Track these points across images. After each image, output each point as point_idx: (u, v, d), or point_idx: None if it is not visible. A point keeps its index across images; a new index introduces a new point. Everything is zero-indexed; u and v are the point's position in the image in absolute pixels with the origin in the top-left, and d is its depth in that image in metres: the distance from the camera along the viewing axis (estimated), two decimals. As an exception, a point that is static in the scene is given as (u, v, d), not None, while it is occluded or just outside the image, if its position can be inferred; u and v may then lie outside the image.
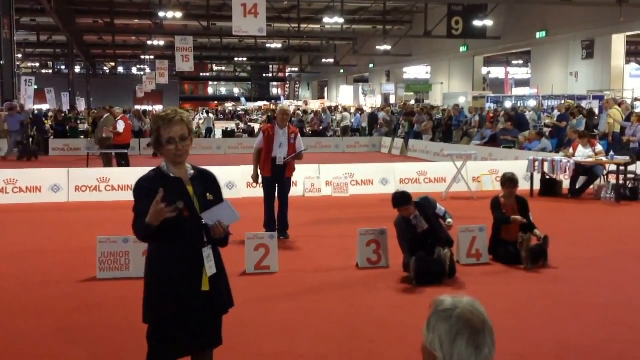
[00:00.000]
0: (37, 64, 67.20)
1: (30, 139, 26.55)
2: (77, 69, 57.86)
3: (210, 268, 3.48)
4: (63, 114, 31.51)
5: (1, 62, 27.60)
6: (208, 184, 3.60)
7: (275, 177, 9.38)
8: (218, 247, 3.60)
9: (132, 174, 13.93)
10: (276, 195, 9.46)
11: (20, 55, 46.17)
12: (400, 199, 7.41)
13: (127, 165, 16.74)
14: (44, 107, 42.07)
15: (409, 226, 7.46)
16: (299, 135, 9.64)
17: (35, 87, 37.78)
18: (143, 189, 3.45)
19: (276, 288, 6.90)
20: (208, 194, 3.54)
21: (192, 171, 3.58)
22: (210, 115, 38.15)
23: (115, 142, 16.93)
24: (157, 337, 3.53)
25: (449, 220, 7.47)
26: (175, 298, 3.43)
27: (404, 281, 7.28)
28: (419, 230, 7.46)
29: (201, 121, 35.94)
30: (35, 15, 38.13)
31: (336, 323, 5.90)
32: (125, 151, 17.20)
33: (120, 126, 16.82)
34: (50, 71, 67.21)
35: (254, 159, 9.56)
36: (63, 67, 63.81)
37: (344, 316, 6.10)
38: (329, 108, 39.62)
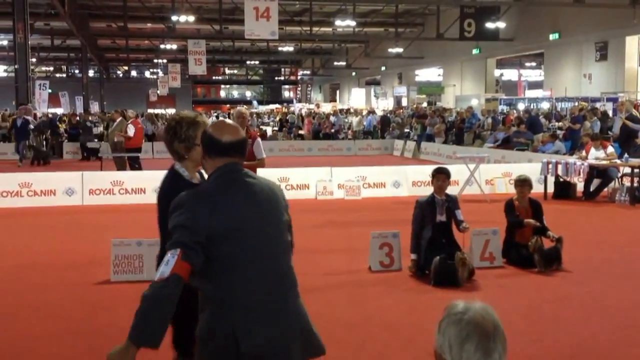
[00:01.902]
0: (51, 68, 67.64)
1: (45, 143, 26.78)
2: (91, 73, 58.24)
3: None
4: (77, 118, 31.70)
5: (16, 66, 27.82)
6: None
7: None
8: None
9: (146, 177, 14.00)
10: None
11: (34, 60, 46.57)
12: (443, 168, 7.91)
13: (140, 168, 16.83)
14: (58, 110, 42.36)
15: (431, 210, 7.54)
16: (259, 140, 8.83)
17: (49, 91, 38.07)
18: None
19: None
20: None
21: (197, 174, 3.67)
22: (221, 119, 37.98)
23: (127, 146, 17.03)
24: None
25: (464, 224, 7.45)
26: None
27: (417, 284, 7.27)
28: (438, 218, 7.50)
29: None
30: (49, 19, 38.43)
31: (348, 326, 5.90)
32: (138, 154, 17.29)
33: (131, 130, 16.89)
34: (64, 75, 67.63)
35: None
36: (77, 71, 64.17)
37: (356, 319, 6.10)
38: (341, 111, 39.63)
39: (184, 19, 32.73)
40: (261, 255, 2.74)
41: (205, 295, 2.75)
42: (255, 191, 2.82)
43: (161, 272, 2.59)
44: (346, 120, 35.38)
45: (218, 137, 2.84)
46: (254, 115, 39.80)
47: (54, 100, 45.71)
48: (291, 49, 53.55)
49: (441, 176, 7.66)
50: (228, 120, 3.02)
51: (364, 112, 37.65)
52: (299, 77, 76.75)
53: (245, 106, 63.34)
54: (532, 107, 28.44)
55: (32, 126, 23.79)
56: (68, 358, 5.28)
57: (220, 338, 2.66)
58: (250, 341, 2.65)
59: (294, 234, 3.08)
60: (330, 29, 43.49)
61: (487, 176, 14.83)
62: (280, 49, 52.87)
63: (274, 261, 2.78)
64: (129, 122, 17.44)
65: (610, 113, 21.64)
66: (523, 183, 8.36)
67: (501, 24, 31.59)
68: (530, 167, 14.63)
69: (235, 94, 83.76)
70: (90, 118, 30.79)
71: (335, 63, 58.95)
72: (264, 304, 2.72)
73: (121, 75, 72.13)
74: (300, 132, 33.84)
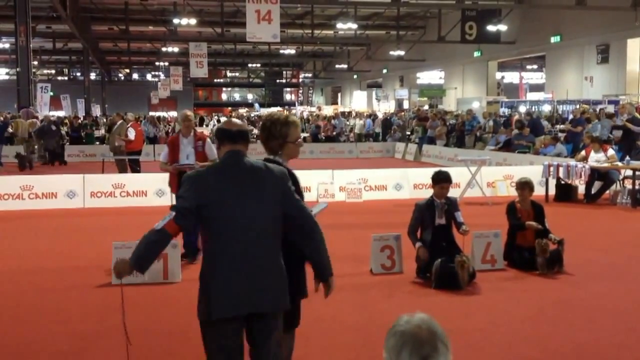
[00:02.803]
0: (53, 71, 67.71)
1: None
2: (93, 76, 58.28)
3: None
4: (79, 121, 31.70)
5: (17, 69, 27.89)
6: None
7: None
8: None
9: (147, 180, 14.01)
10: None
11: (36, 63, 46.58)
12: (445, 174, 7.67)
13: (140, 171, 16.83)
14: (60, 113, 42.38)
15: (430, 213, 7.50)
16: (209, 141, 8.70)
17: (51, 94, 38.11)
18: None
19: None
20: None
21: None
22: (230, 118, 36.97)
23: (128, 149, 17.03)
24: None
25: (464, 227, 7.44)
26: None
27: (419, 287, 7.26)
28: (437, 222, 7.47)
29: (215, 127, 35.72)
30: (51, 22, 38.46)
31: (350, 329, 5.90)
32: (138, 157, 17.28)
33: (131, 133, 16.84)
34: (66, 78, 67.70)
35: (163, 171, 8.93)
36: (78, 74, 64.25)
37: (358, 322, 6.09)
38: (342, 113, 39.61)
39: (186, 22, 32.77)
40: (236, 222, 3.47)
41: (203, 247, 3.64)
42: (244, 172, 3.57)
43: (157, 224, 3.50)
44: (347, 122, 35.37)
45: (227, 129, 3.68)
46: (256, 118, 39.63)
47: (55, 103, 45.76)
48: (293, 51, 53.55)
49: (443, 183, 7.57)
50: (235, 119, 4.00)
51: (365, 115, 37.66)
52: (300, 80, 76.76)
53: (247, 109, 63.16)
54: (533, 109, 28.42)
55: (11, 129, 23.54)
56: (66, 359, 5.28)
57: (203, 279, 3.54)
58: (216, 285, 3.46)
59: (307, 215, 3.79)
60: (332, 32, 43.52)
61: (488, 179, 14.82)
62: (281, 51, 52.88)
63: (248, 227, 3.48)
64: (129, 125, 17.43)
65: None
66: (524, 186, 8.36)
67: (502, 27, 31.59)
68: (531, 169, 14.62)
69: (237, 96, 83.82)
70: (65, 121, 29.85)
71: (337, 66, 59.00)
72: (236, 259, 3.46)
73: (123, 78, 72.19)
74: (304, 134, 33.85)
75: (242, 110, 60.23)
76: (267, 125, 4.13)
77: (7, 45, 44.92)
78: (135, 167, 17.02)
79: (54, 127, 25.08)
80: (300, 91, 78.56)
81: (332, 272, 3.97)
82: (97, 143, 28.21)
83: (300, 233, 3.74)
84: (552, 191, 13.93)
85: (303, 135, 33.53)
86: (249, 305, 3.46)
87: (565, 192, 13.85)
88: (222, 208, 3.47)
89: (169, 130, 31.93)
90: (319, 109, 53.08)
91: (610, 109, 22.64)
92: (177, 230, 3.52)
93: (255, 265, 3.47)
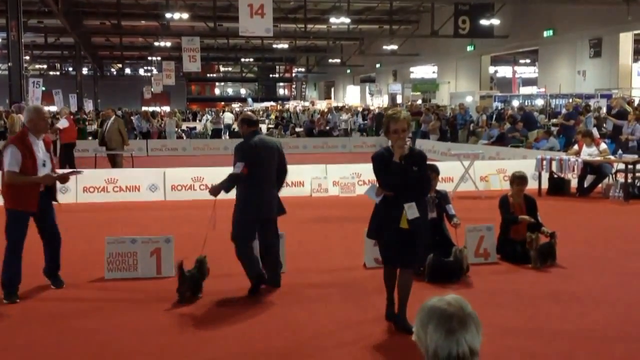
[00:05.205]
0: (45, 66, 67.45)
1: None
2: (85, 71, 58.04)
3: (411, 215, 5.47)
4: (72, 116, 31.53)
5: (9, 64, 27.71)
6: (415, 160, 5.53)
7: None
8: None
9: (140, 175, 13.99)
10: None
11: (28, 57, 46.35)
12: (433, 165, 7.86)
13: (74, 166, 15.85)
14: (52, 108, 42.18)
15: None
16: (10, 148, 6.54)
17: (43, 88, 37.90)
18: (384, 157, 5.59)
19: (283, 287, 6.91)
20: (414, 167, 5.48)
21: (406, 152, 5.50)
22: (227, 114, 35.44)
23: (63, 142, 16.69)
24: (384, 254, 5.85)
25: (456, 219, 7.46)
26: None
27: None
28: (429, 215, 7.47)
29: (207, 122, 35.56)
30: (42, 17, 38.28)
31: (343, 323, 5.91)
32: (72, 151, 17.01)
33: (62, 123, 16.49)
34: (58, 73, 67.43)
35: (21, 184, 6.53)
36: (71, 69, 64.03)
37: (352, 315, 6.10)
38: (336, 108, 39.57)
39: (178, 16, 32.62)
40: (262, 170, 6.70)
41: (247, 182, 6.65)
42: (265, 142, 6.89)
43: (235, 170, 6.59)
44: (342, 117, 35.32)
45: (249, 118, 7.06)
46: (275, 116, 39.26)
47: (47, 98, 45.50)
48: (286, 46, 53.43)
49: (431, 174, 7.60)
50: (249, 112, 6.85)
51: (360, 109, 37.64)
52: (293, 75, 76.68)
53: (239, 104, 62.70)
54: (526, 104, 28.47)
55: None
56: (63, 356, 5.27)
57: (241, 197, 6.73)
58: (249, 201, 6.67)
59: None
60: (325, 27, 43.43)
61: (481, 173, 14.83)
62: (274, 46, 52.73)
63: (268, 173, 6.79)
64: (64, 117, 17.21)
65: (604, 110, 21.68)
66: (522, 180, 8.35)
67: (495, 21, 31.61)
68: (524, 163, 14.64)
69: (230, 91, 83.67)
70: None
71: (330, 60, 58.91)
72: (260, 188, 6.71)
73: (115, 72, 71.97)
74: (297, 129, 33.76)
75: (235, 105, 60.05)
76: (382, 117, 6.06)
77: (-2, 40, 44.68)
78: (70, 161, 16.73)
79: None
80: (294, 86, 78.46)
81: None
82: (90, 138, 28.09)
83: (278, 174, 6.96)
84: (544, 185, 13.97)
85: (298, 130, 33.59)
86: (265, 213, 6.78)
87: (558, 186, 13.89)
88: (256, 161, 6.62)
89: (162, 125, 31.81)
90: (312, 103, 53.04)
91: (602, 103, 22.72)
92: (246, 172, 6.52)
93: (269, 192, 6.77)
